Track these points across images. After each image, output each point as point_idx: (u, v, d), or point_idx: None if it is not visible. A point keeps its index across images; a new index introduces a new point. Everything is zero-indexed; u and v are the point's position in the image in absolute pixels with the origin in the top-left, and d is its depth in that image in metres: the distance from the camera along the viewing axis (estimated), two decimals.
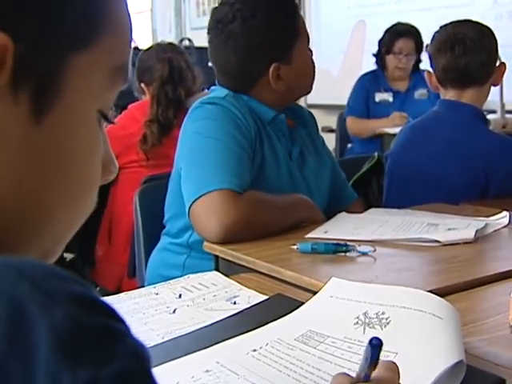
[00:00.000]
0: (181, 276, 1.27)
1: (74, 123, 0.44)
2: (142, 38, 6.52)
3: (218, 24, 1.60)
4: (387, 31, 3.87)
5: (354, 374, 0.65)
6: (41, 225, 0.45)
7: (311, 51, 1.68)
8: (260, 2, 1.59)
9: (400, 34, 3.80)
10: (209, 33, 1.65)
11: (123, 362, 0.33)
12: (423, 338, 0.82)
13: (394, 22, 3.94)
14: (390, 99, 3.85)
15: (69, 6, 0.42)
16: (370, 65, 4.03)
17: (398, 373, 0.65)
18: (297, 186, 1.63)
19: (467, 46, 1.84)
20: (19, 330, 0.32)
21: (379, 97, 3.86)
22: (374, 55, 3.94)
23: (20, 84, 0.40)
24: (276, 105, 1.65)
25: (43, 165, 0.43)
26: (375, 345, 0.60)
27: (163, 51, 2.63)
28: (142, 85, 2.65)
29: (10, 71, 0.39)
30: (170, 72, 2.54)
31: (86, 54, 0.43)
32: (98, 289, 2.71)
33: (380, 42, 3.89)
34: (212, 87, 1.70)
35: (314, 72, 1.69)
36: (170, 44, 2.83)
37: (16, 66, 0.39)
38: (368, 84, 3.89)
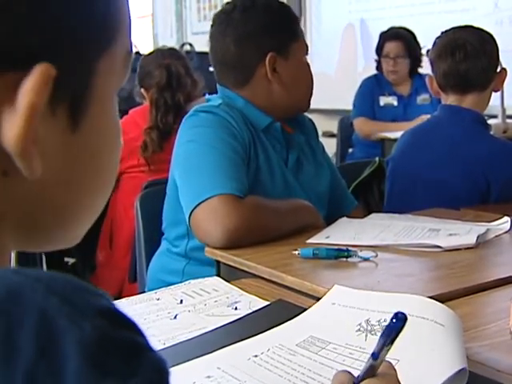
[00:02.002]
0: (180, 282, 1.26)
1: (105, 121, 0.46)
2: (143, 43, 6.52)
3: (220, 15, 1.66)
4: (379, 36, 3.93)
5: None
6: (73, 219, 0.47)
7: (309, 66, 1.70)
8: None
9: (387, 37, 3.86)
10: (211, 28, 1.68)
11: (147, 375, 0.34)
12: (425, 345, 0.82)
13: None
14: (395, 103, 3.85)
15: (91, 18, 0.43)
16: (374, 69, 4.04)
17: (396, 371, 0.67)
18: (292, 194, 1.62)
19: (468, 52, 1.84)
20: (48, 342, 0.33)
21: (384, 100, 3.86)
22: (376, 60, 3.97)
23: (57, 100, 0.41)
24: (272, 109, 1.64)
25: (82, 166, 0.45)
26: (401, 318, 0.58)
27: (162, 57, 2.64)
28: (142, 90, 2.65)
29: (50, 92, 0.41)
30: (168, 78, 2.54)
31: (107, 56, 0.44)
32: None
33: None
34: (207, 96, 1.71)
35: (311, 87, 1.70)
36: (171, 49, 2.83)
37: (54, 86, 0.40)
38: (372, 87, 3.90)
